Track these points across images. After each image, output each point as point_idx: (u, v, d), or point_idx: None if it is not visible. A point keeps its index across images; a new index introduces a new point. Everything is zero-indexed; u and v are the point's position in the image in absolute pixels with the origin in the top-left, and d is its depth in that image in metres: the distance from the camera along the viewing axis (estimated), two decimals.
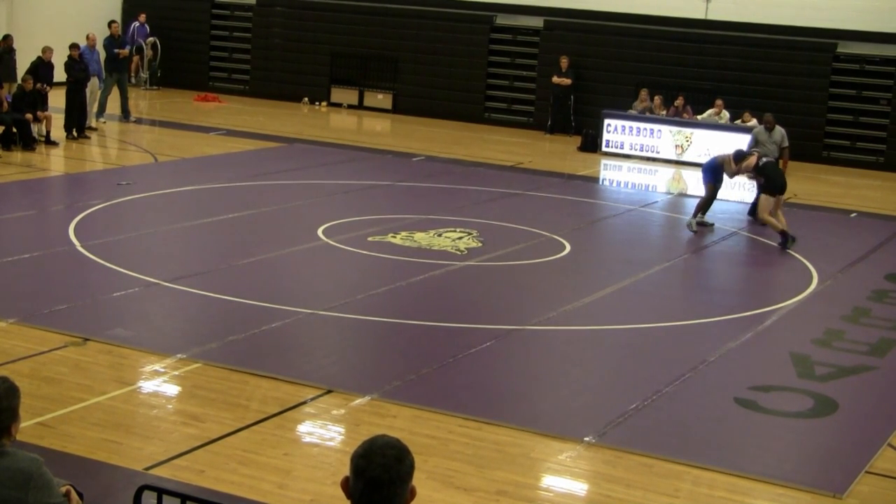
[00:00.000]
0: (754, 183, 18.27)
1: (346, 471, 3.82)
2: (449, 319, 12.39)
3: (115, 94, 24.94)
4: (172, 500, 5.89)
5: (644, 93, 25.72)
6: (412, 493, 3.77)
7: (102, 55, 24.59)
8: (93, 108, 23.76)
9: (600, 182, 22.83)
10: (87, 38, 23.81)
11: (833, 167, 25.48)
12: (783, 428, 9.94)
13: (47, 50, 23.11)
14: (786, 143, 19.09)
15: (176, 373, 10.22)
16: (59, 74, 23.12)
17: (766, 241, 17.48)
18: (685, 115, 25.26)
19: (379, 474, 3.69)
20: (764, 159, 17.31)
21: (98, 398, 9.47)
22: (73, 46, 22.90)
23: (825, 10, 25.74)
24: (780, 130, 19.10)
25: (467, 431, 9.24)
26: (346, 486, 3.78)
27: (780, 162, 18.47)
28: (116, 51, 24.90)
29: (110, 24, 26.06)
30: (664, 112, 25.51)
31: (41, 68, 22.72)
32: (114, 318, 11.68)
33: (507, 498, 8.15)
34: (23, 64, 23.31)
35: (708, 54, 26.58)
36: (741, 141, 23.88)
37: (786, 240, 16.56)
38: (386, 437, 3.80)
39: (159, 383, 10.00)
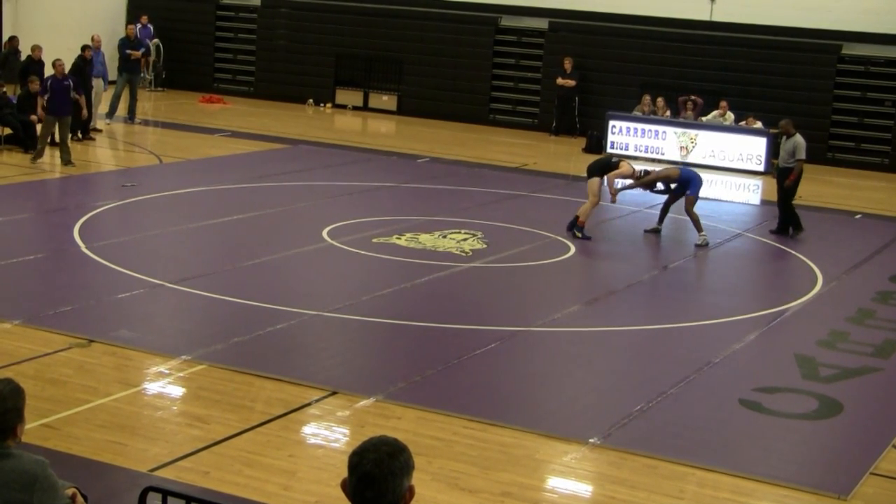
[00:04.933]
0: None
1: None
2: (454, 321, 12.39)
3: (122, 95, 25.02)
4: (177, 502, 5.89)
5: (647, 98, 25.72)
6: (411, 493, 3.77)
7: (107, 56, 24.60)
8: (97, 109, 23.76)
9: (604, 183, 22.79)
10: (93, 39, 23.82)
11: (837, 168, 25.46)
12: (787, 429, 9.93)
13: (36, 48, 23.12)
14: (799, 156, 17.63)
15: (181, 374, 10.23)
16: None
17: (770, 242, 17.48)
18: (685, 114, 25.20)
19: (370, 469, 3.70)
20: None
21: (103, 400, 9.48)
22: (86, 48, 22.90)
23: (830, 11, 25.72)
24: (794, 141, 17.72)
25: (472, 433, 9.25)
26: (345, 486, 3.79)
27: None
28: (128, 51, 24.95)
29: (127, 25, 26.21)
30: (667, 113, 25.50)
31: (32, 67, 22.74)
32: (118, 319, 11.69)
33: (512, 499, 8.15)
34: None
35: (712, 56, 26.56)
36: (744, 142, 23.97)
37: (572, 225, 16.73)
38: (383, 436, 3.81)
39: (164, 385, 10.01)
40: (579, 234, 16.53)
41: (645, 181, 17.15)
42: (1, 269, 13.29)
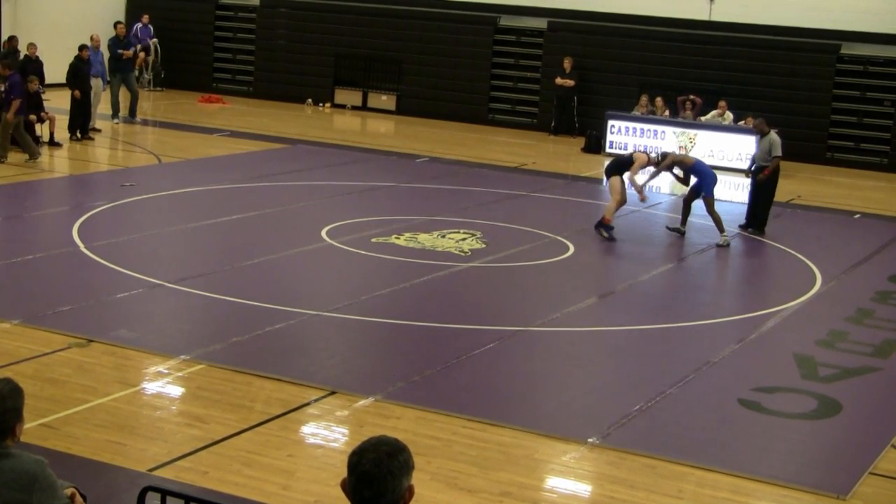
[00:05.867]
0: (749, 182, 18.46)
1: None
2: (453, 321, 12.39)
3: (121, 94, 25.02)
4: (176, 502, 5.89)
5: (644, 98, 25.73)
6: (410, 493, 3.77)
7: (107, 56, 24.62)
8: (96, 109, 23.75)
9: (604, 183, 22.80)
10: (92, 38, 23.82)
11: (837, 168, 25.47)
12: (787, 429, 9.93)
13: (32, 46, 23.09)
14: (775, 153, 17.68)
15: (180, 374, 10.23)
16: (58, 75, 23.16)
17: (769, 242, 17.48)
18: (685, 114, 25.19)
19: (369, 469, 3.70)
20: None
21: (102, 399, 9.48)
22: (83, 48, 22.89)
23: (829, 11, 25.72)
24: (769, 139, 17.80)
25: (471, 433, 9.25)
26: (345, 486, 3.79)
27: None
28: (120, 51, 24.93)
29: (116, 24, 26.12)
30: (666, 113, 25.51)
31: (30, 66, 22.71)
32: (117, 319, 11.69)
33: (511, 499, 8.15)
34: None
35: (711, 55, 26.57)
36: (744, 142, 23.95)
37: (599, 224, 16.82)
38: (383, 436, 3.81)
39: (163, 384, 10.01)
40: (606, 235, 16.56)
41: (663, 165, 17.10)
42: (0, 268, 13.29)
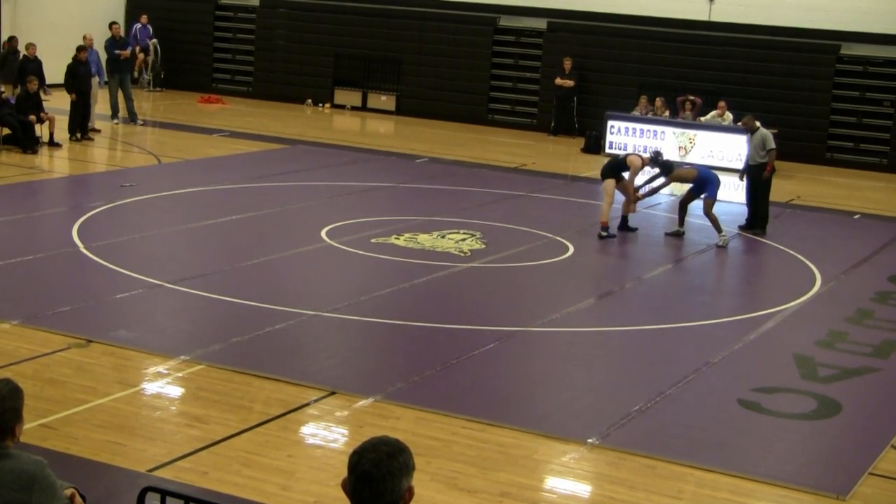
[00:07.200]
0: (745, 184, 18.44)
1: None
2: (452, 321, 12.39)
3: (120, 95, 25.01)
4: (176, 502, 5.89)
5: (644, 99, 25.73)
6: (410, 493, 3.77)
7: (102, 56, 24.60)
8: (94, 109, 23.72)
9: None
10: (84, 38, 23.72)
11: (836, 169, 25.47)
12: (786, 429, 9.93)
13: (31, 46, 23.10)
14: (769, 146, 17.82)
15: (179, 374, 10.23)
16: (57, 75, 23.15)
17: (769, 242, 17.48)
18: (684, 114, 25.19)
19: (368, 469, 3.71)
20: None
21: (101, 400, 9.48)
22: (81, 49, 22.87)
23: (829, 11, 25.73)
24: (761, 134, 17.94)
25: (471, 433, 9.24)
26: (345, 486, 3.79)
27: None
28: (117, 52, 24.91)
29: (111, 25, 26.09)
30: (666, 114, 25.51)
31: (29, 66, 22.70)
32: (117, 319, 11.69)
33: (511, 499, 8.14)
34: None
35: (711, 56, 26.58)
36: (743, 142, 23.92)
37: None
38: (384, 437, 3.81)
39: (163, 385, 10.01)
40: (605, 234, 16.58)
41: (670, 179, 17.11)
42: (0, 268, 13.31)
